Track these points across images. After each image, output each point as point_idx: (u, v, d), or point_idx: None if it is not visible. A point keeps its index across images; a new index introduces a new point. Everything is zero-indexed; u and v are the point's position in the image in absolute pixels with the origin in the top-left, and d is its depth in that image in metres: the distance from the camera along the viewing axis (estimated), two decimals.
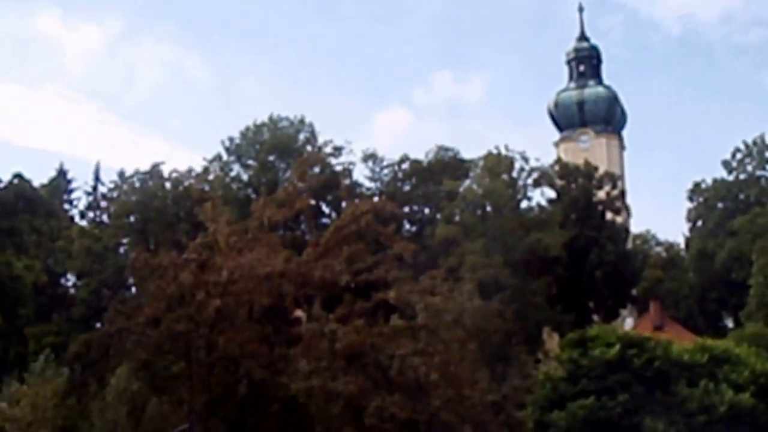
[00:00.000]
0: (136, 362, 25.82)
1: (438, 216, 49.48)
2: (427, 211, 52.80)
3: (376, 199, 36.25)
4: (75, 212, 59.36)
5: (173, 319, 24.78)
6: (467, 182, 49.08)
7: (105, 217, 56.35)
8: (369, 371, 24.36)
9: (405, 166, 53.61)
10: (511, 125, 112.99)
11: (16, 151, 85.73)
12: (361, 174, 54.88)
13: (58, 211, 47.49)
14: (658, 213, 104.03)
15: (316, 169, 35.69)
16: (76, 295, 51.94)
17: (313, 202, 32.44)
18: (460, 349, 25.89)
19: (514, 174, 48.01)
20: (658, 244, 65.95)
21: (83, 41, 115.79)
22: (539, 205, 50.45)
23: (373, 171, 54.58)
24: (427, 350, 24.40)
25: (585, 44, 75.86)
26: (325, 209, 50.59)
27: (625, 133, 74.68)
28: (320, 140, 55.22)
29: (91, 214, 58.47)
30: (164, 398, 25.76)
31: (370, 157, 54.59)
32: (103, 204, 57.13)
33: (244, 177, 54.40)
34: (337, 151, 53.63)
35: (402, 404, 23.14)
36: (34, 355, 42.65)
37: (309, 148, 54.41)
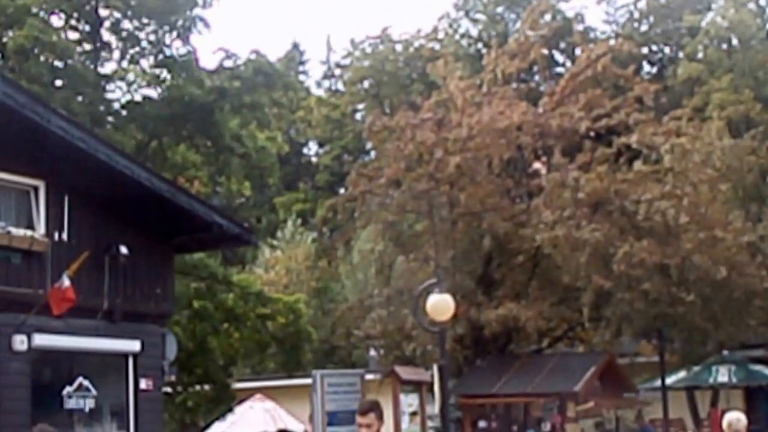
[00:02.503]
0: (381, 223, 26.21)
1: (679, 54, 47.31)
2: (667, 50, 50.60)
3: (612, 42, 34.84)
4: (311, 83, 60.69)
5: (414, 178, 24.90)
6: (710, 15, 46.51)
7: (340, 85, 57.22)
8: (614, 218, 23.76)
9: (641, 4, 51.32)
10: None
11: (251, 28, 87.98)
12: (594, 17, 53.19)
13: (294, 83, 48.51)
14: None
15: (547, 17, 34.50)
16: (318, 163, 53.41)
17: (546, 51, 31.45)
18: (711, 190, 24.78)
19: (762, 2, 45.08)
20: None
21: None
22: None
23: (607, 13, 52.59)
24: (675, 193, 23.47)
25: None
26: (559, 57, 49.30)
27: None
28: None
29: (326, 83, 59.57)
30: (410, 256, 26.11)
31: None
32: (337, 72, 57.98)
33: (474, 32, 53.63)
34: None
35: (651, 249, 22.49)
36: (283, 223, 44.46)
37: None
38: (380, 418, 7.38)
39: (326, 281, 38.43)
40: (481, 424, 24.18)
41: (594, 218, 23.41)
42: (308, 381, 19.84)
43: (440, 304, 17.91)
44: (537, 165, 27.59)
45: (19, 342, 15.04)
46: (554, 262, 24.18)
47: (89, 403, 16.46)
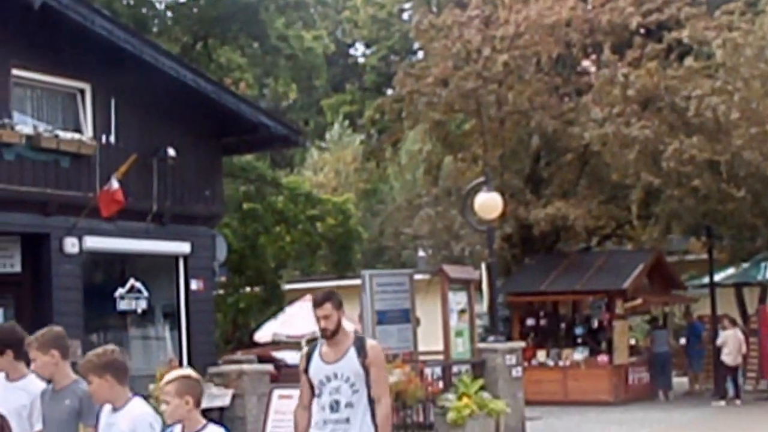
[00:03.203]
0: (429, 123, 26.09)
1: None
2: None
3: None
4: None
5: (461, 77, 24.64)
6: None
7: None
8: (664, 114, 23.42)
9: None
10: None
11: None
12: None
13: None
14: None
15: None
16: (365, 64, 52.97)
17: None
18: (763, 85, 24.21)
19: None
20: None
21: None
22: None
23: None
24: (726, 89, 23.01)
25: None
26: None
27: None
28: None
29: None
30: (458, 156, 26.03)
31: None
32: None
33: None
34: None
35: (701, 146, 22.19)
36: (330, 125, 44.39)
37: None
38: (338, 307, 6.70)
39: (374, 182, 38.50)
40: (529, 321, 24.32)
41: (644, 115, 23.11)
42: (357, 282, 19.99)
43: (488, 203, 17.90)
44: (586, 63, 27.18)
45: (71, 245, 15.26)
46: (603, 159, 23.99)
47: (141, 305, 16.73)
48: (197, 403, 5.44)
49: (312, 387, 6.88)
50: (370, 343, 6.81)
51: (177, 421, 5.47)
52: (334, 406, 6.69)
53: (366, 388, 6.67)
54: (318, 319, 6.69)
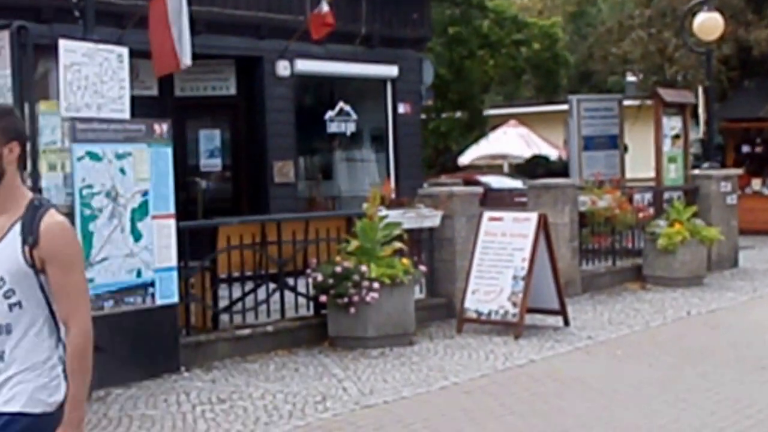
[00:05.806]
0: None
1: None
2: None
3: None
4: None
5: None
6: None
7: None
8: None
9: None
10: None
11: None
12: None
13: None
14: None
15: None
16: None
17: None
18: None
19: None
20: None
21: None
22: None
23: None
24: None
25: None
26: None
27: None
28: None
29: None
30: None
31: None
32: None
33: None
34: None
35: None
36: None
37: None
38: (7, 138, 3.32)
39: (582, 5, 37.29)
40: (744, 149, 23.33)
41: None
42: (561, 107, 19.54)
43: (708, 23, 17.01)
44: None
45: (283, 68, 15.47)
46: None
47: (350, 128, 16.93)
48: None
49: None
50: (50, 218, 3.34)
51: None
52: None
53: (44, 303, 3.38)
54: None
